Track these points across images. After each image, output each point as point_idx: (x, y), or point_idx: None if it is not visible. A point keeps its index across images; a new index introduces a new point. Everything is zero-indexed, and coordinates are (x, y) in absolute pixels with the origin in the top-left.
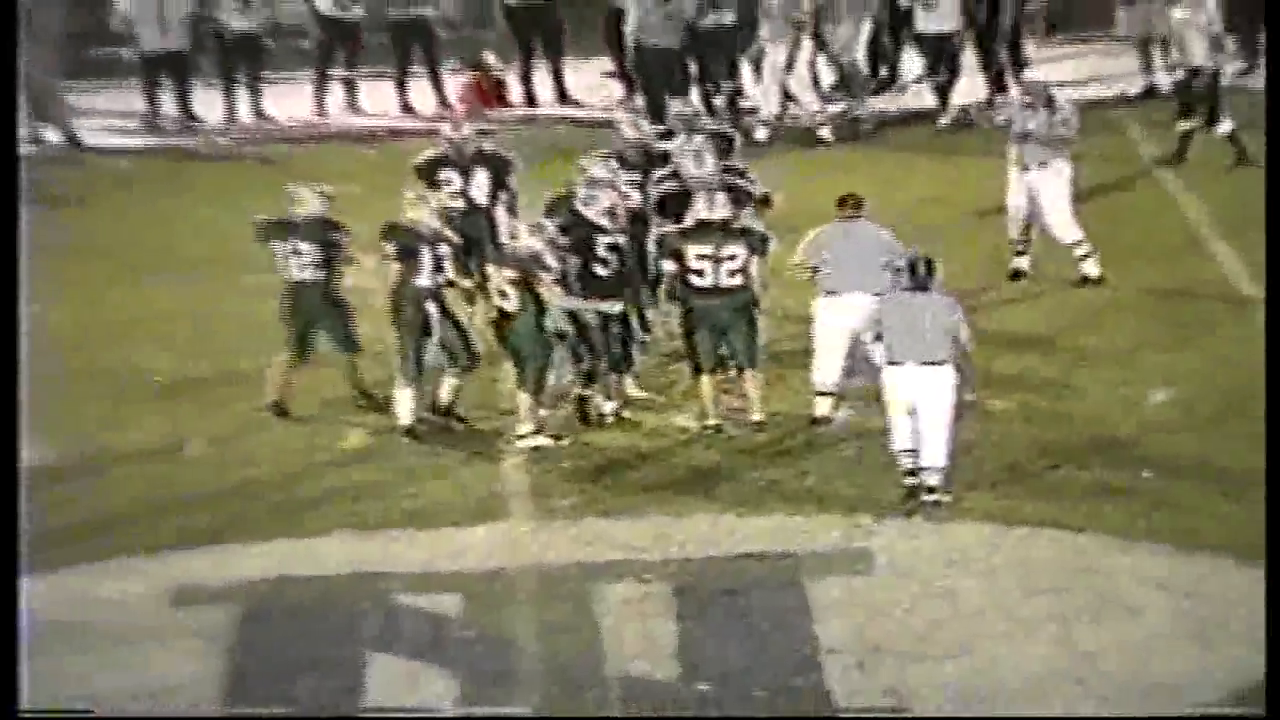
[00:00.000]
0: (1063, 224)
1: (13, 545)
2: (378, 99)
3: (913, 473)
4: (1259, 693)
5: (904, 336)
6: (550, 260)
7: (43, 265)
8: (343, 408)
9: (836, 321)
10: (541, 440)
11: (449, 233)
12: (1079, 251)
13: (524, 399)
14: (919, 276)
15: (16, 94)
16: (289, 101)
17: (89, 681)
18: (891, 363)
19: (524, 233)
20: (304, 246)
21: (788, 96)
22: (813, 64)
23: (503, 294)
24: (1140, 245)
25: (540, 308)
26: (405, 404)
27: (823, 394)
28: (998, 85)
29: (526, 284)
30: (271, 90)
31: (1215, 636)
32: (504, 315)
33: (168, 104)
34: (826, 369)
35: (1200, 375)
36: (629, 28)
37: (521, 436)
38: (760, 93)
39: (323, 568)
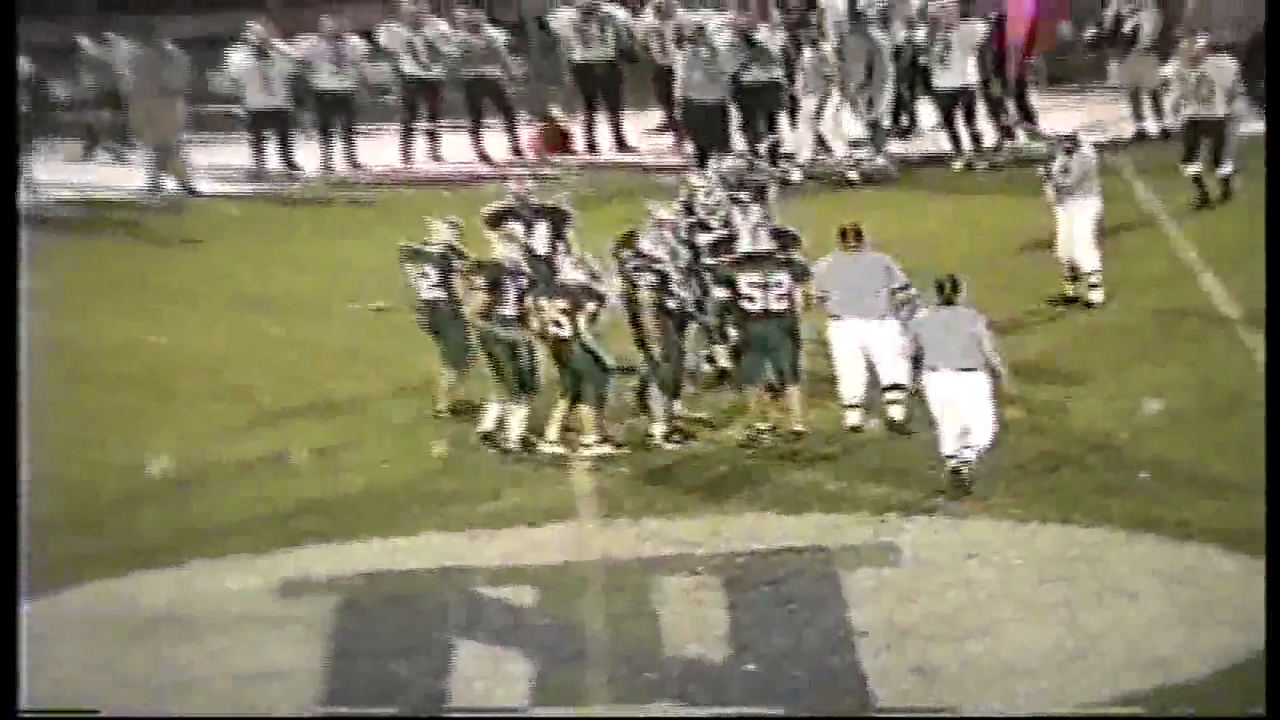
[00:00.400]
0: (1085, 252)
1: (13, 547)
2: (457, 148)
3: (956, 469)
4: (1243, 669)
5: (938, 347)
6: (599, 289)
7: (163, 300)
8: (435, 421)
9: (846, 343)
10: (607, 449)
11: (527, 268)
12: (1092, 280)
13: (587, 412)
14: (946, 294)
15: (16, 95)
16: (378, 151)
17: (204, 666)
18: (930, 369)
19: (569, 266)
20: (430, 270)
21: (820, 143)
22: (839, 113)
23: (557, 323)
24: (1134, 272)
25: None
26: (517, 420)
27: (851, 406)
28: (1006, 133)
29: (573, 314)
30: (363, 141)
31: (1205, 618)
32: (561, 340)
33: (271, 155)
34: (849, 385)
35: (1188, 386)
36: (677, 84)
37: (587, 445)
38: (795, 139)
39: (413, 564)
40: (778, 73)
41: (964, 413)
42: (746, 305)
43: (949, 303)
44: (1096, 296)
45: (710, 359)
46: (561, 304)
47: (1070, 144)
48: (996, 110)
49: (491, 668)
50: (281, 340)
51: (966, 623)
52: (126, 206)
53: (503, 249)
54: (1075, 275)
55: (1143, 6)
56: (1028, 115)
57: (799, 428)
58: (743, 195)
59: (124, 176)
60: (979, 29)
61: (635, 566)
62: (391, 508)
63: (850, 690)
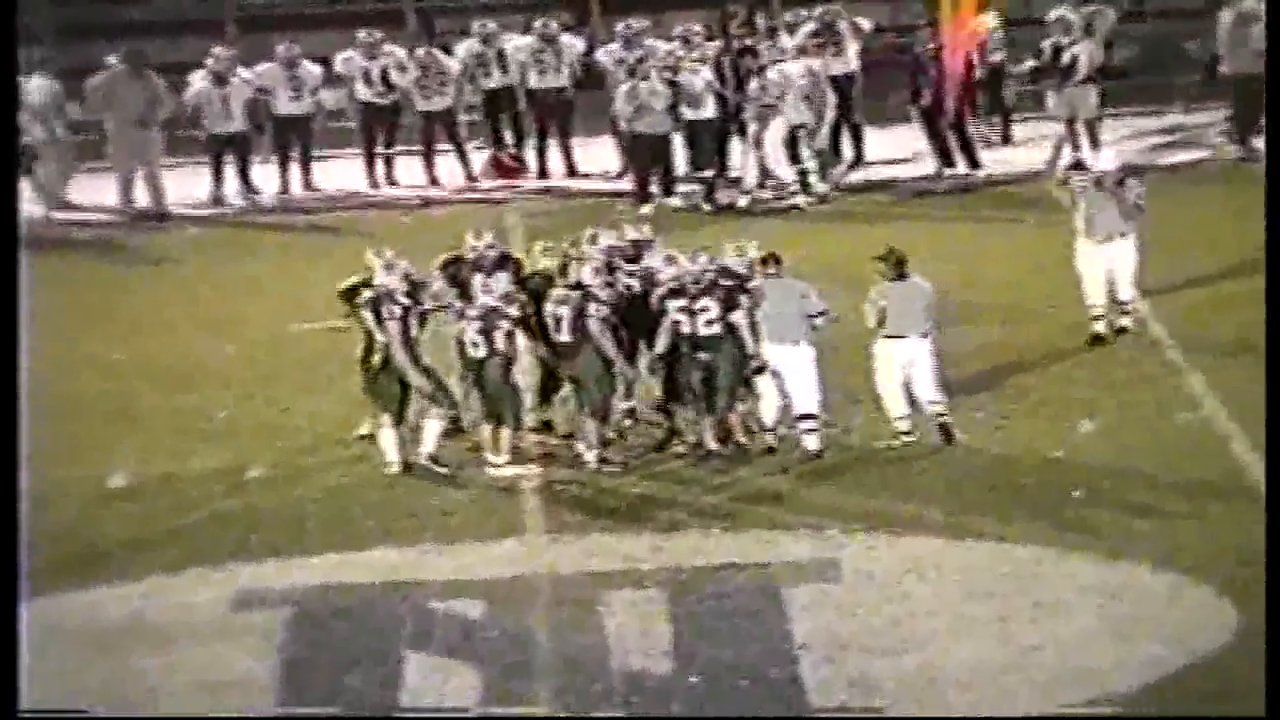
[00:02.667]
0: (1126, 287)
1: (13, 550)
2: (416, 172)
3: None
4: (1170, 683)
5: (900, 316)
6: (511, 312)
7: (124, 318)
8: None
9: (774, 365)
10: (518, 469)
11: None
12: (1127, 308)
13: (504, 433)
14: (895, 266)
15: (16, 95)
16: (336, 175)
17: (159, 676)
18: (889, 336)
19: (481, 290)
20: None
21: (764, 170)
22: (787, 140)
23: (473, 344)
24: (1069, 296)
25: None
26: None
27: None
28: (946, 161)
29: (489, 334)
30: (320, 166)
31: (1134, 633)
32: (476, 361)
33: (230, 179)
34: (766, 408)
35: (1120, 407)
36: (617, 117)
37: (498, 465)
38: (741, 166)
39: (365, 577)
40: (707, 113)
41: (919, 374)
42: (678, 329)
43: (901, 276)
44: (1128, 322)
45: (632, 412)
46: (476, 325)
47: (1113, 177)
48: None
49: (441, 678)
50: (239, 359)
51: (903, 636)
52: (89, 227)
53: (382, 276)
54: (1098, 315)
55: (1080, 39)
56: (969, 151)
57: (714, 446)
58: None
59: (89, 197)
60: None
61: (582, 580)
62: (344, 522)
63: (790, 701)
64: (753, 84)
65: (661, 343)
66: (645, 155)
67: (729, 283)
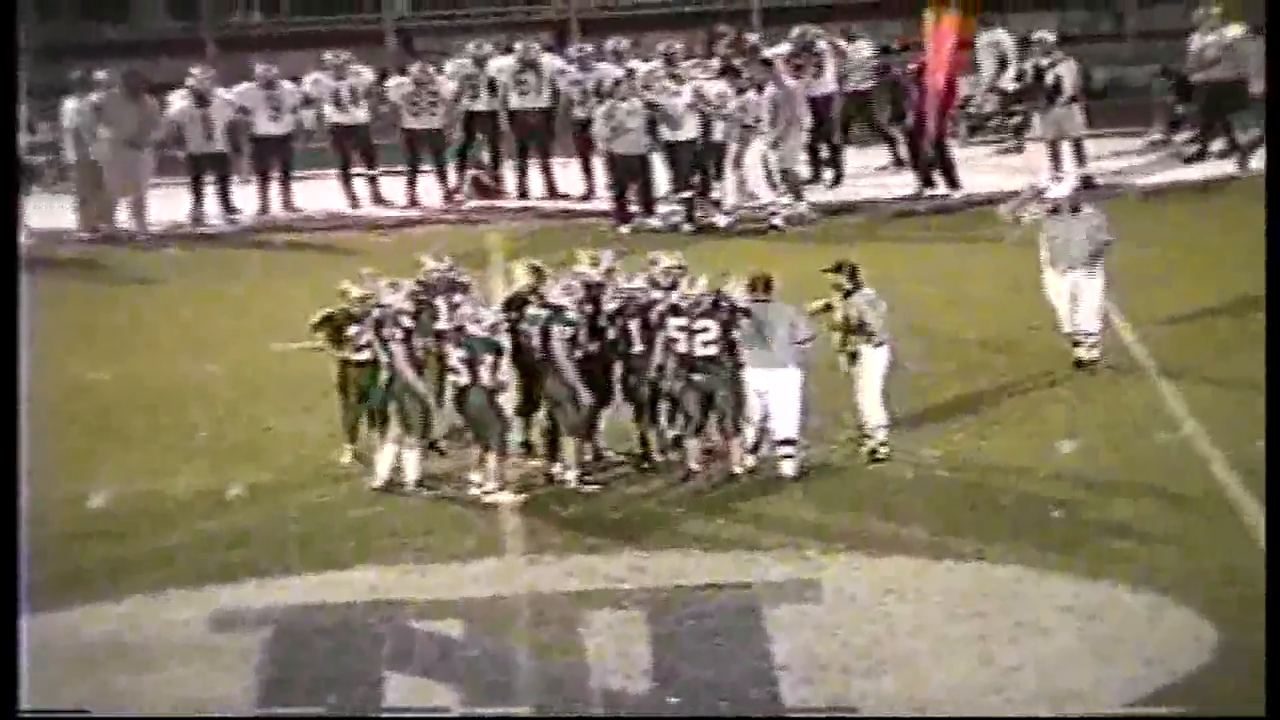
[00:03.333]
0: (1091, 319)
1: (13, 552)
2: (395, 192)
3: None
4: (1150, 702)
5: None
6: (497, 341)
7: (105, 338)
8: (369, 458)
9: (755, 387)
10: (506, 496)
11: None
12: (1091, 341)
13: (490, 459)
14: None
15: (17, 95)
16: (315, 195)
17: (139, 695)
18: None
19: (469, 319)
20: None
21: (744, 189)
22: (765, 161)
23: (455, 371)
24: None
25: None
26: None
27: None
28: (926, 181)
29: (473, 364)
30: (300, 186)
31: (1113, 653)
32: (460, 389)
33: (210, 198)
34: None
35: (1100, 427)
36: (596, 138)
37: (487, 492)
38: (720, 186)
39: (345, 597)
40: (688, 133)
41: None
42: (676, 348)
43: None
44: (1095, 355)
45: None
46: (461, 354)
47: (1070, 204)
48: (916, 161)
49: (421, 698)
50: (220, 378)
51: (883, 657)
52: (70, 246)
53: (387, 296)
54: (1078, 341)
55: (1059, 59)
56: (949, 171)
57: (736, 469)
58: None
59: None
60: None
61: (562, 601)
62: (325, 542)
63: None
64: (732, 103)
65: (655, 359)
66: (622, 175)
67: (728, 305)
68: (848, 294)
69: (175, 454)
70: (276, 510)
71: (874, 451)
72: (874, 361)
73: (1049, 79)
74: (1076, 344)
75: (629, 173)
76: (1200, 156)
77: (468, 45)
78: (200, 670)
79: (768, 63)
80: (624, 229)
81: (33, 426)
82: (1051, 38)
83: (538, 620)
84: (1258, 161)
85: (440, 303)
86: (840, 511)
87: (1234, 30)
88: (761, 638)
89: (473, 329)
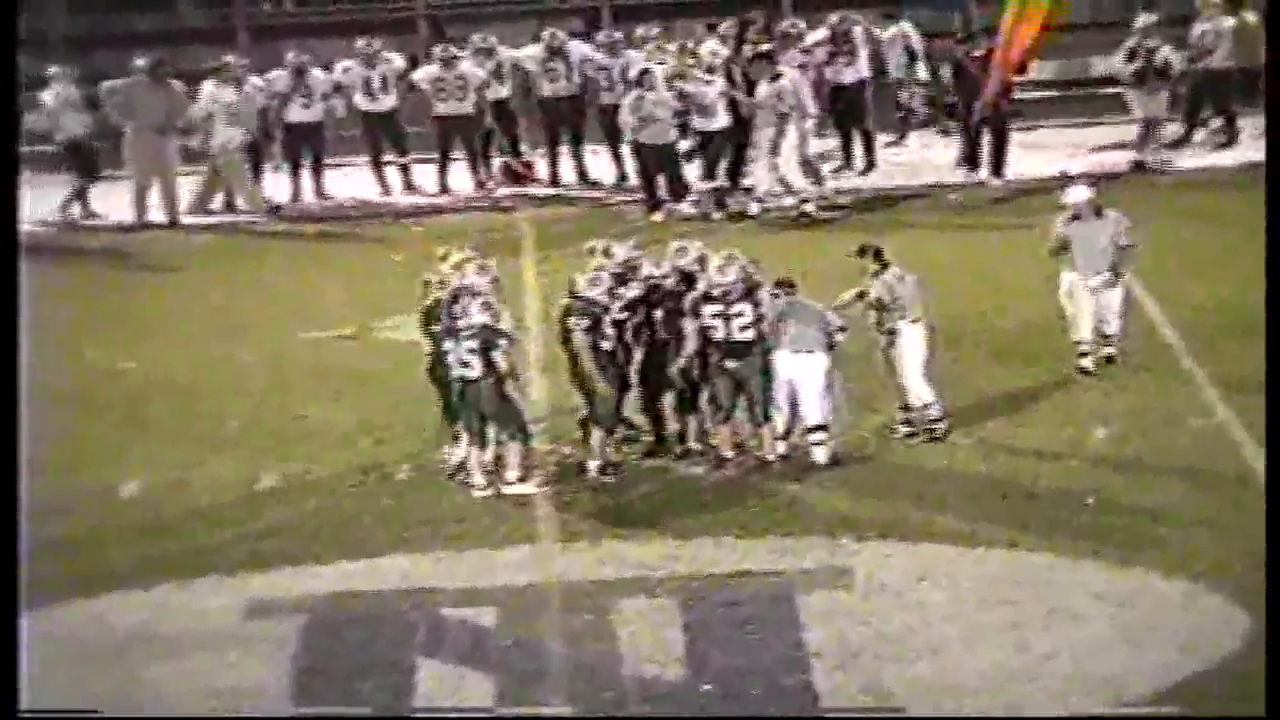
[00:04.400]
0: (1114, 320)
1: (13, 550)
2: (427, 180)
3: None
4: (1182, 688)
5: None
6: (505, 329)
7: (136, 327)
8: (399, 446)
9: (784, 374)
10: (528, 488)
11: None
12: (1112, 341)
13: (513, 451)
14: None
15: (17, 94)
16: (348, 183)
17: (171, 684)
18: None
19: (476, 308)
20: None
21: (778, 177)
22: (799, 147)
23: (465, 364)
24: None
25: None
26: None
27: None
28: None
29: (486, 353)
30: (332, 173)
31: (1146, 640)
32: (468, 381)
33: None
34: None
35: (1133, 414)
36: (624, 126)
37: (509, 484)
38: (753, 173)
39: (378, 585)
40: (719, 123)
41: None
42: (713, 335)
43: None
44: (1113, 351)
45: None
46: (470, 344)
47: (1092, 207)
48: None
49: (454, 686)
50: (251, 367)
51: (917, 644)
52: (100, 235)
53: (472, 277)
54: (1085, 351)
55: (1161, 43)
56: (999, 158)
57: (769, 457)
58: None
59: (102, 206)
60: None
61: (594, 588)
62: (357, 531)
63: (803, 708)
64: (764, 90)
65: (690, 346)
66: (651, 164)
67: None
68: (875, 274)
69: (206, 443)
70: (308, 499)
71: (931, 430)
72: (913, 339)
73: (1158, 60)
74: (1084, 354)
75: (657, 162)
76: (1186, 140)
77: (472, 36)
78: (232, 659)
79: (768, 56)
80: (656, 216)
81: (62, 416)
82: (1153, 19)
83: (570, 608)
84: (1256, 152)
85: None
86: (872, 499)
87: (1230, 21)
88: (794, 625)
89: (479, 318)
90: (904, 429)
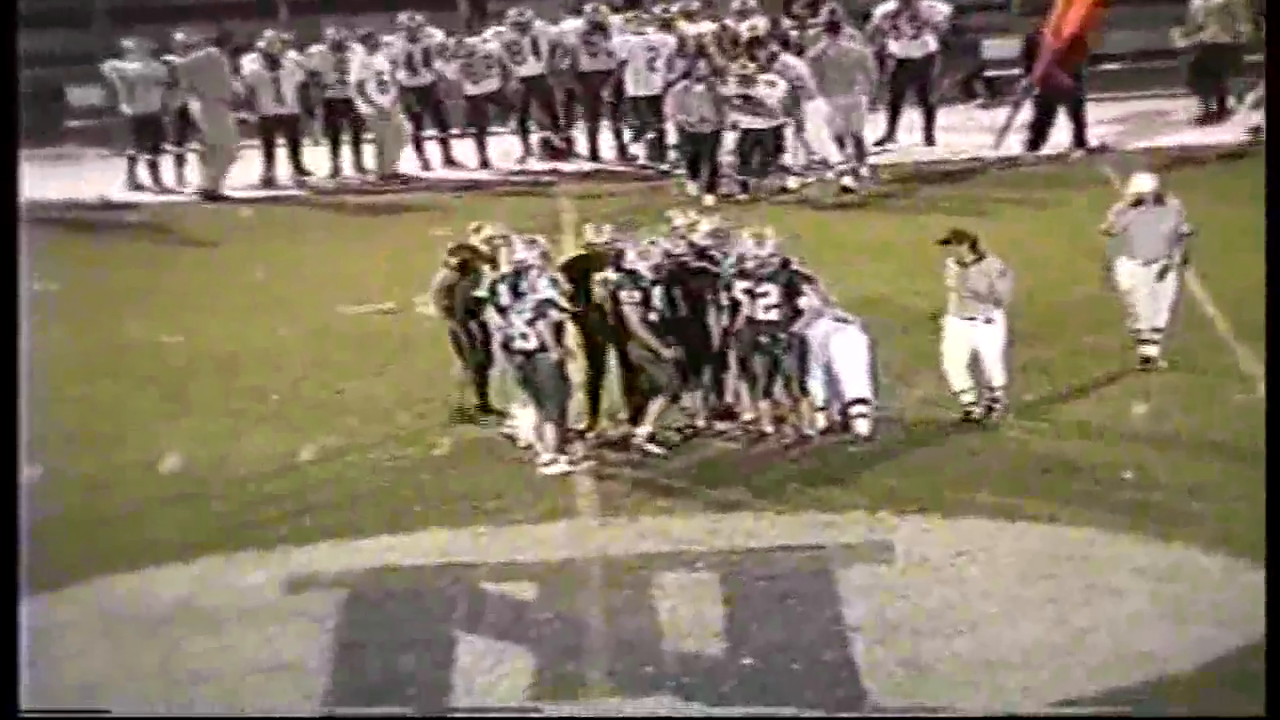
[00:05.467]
0: (1164, 312)
1: (13, 548)
2: (467, 154)
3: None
4: (1226, 663)
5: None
6: (560, 302)
7: (177, 300)
8: (439, 420)
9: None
10: (563, 465)
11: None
12: (1156, 336)
13: (549, 430)
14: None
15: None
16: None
17: (211, 659)
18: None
19: (541, 283)
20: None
21: (812, 153)
22: (832, 122)
23: (523, 336)
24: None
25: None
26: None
27: (818, 409)
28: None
29: (537, 323)
30: (371, 148)
31: (1187, 615)
32: (525, 354)
33: (282, 160)
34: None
35: (1173, 389)
36: (667, 114)
37: (546, 463)
38: (787, 149)
39: (417, 560)
40: (767, 123)
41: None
42: (742, 311)
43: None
44: (1156, 351)
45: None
46: (527, 316)
47: (1153, 196)
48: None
49: (493, 661)
50: (291, 341)
51: (956, 619)
52: (141, 209)
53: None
54: (1147, 339)
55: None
56: (1080, 129)
57: (809, 431)
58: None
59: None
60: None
61: (634, 563)
62: (397, 505)
63: (843, 684)
64: (774, 68)
65: (723, 318)
66: (691, 148)
67: (793, 270)
68: (971, 263)
69: (247, 417)
70: (348, 473)
71: (990, 409)
72: (1002, 329)
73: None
74: (1144, 341)
75: (698, 147)
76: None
77: (509, 11)
78: (271, 633)
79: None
80: (691, 187)
81: (103, 391)
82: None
83: (610, 582)
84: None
85: (486, 269)
86: (912, 474)
87: None
88: (834, 600)
89: (537, 290)
90: (980, 409)
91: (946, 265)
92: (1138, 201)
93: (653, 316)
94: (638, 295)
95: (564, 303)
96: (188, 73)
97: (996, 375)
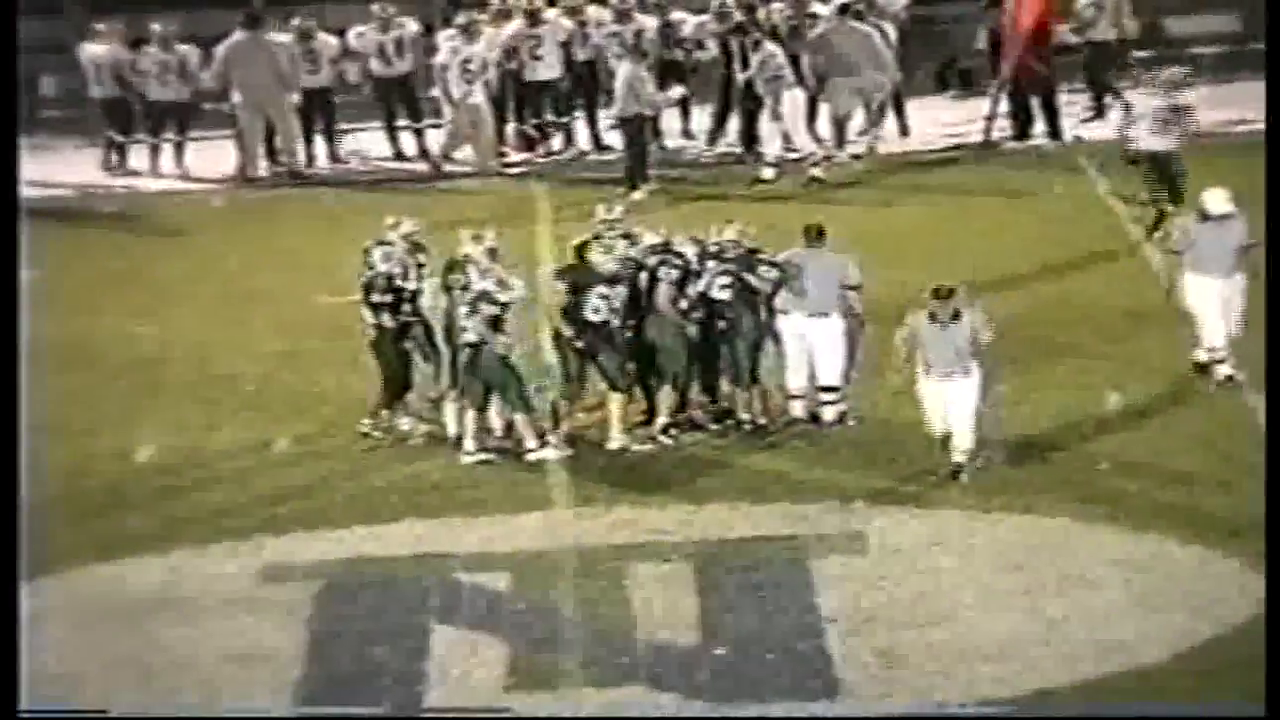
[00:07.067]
0: (1236, 323)
1: (13, 547)
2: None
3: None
4: (1198, 654)
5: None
6: (501, 297)
7: (152, 291)
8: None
9: (791, 335)
10: (549, 453)
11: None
12: (1226, 354)
13: (521, 419)
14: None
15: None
16: (361, 147)
17: (186, 648)
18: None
19: (476, 275)
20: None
21: (787, 141)
22: (808, 112)
23: (464, 329)
24: (1093, 270)
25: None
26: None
27: (794, 396)
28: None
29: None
30: (346, 138)
31: (1160, 605)
32: (471, 346)
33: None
34: (794, 376)
35: (1148, 380)
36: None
37: (530, 450)
38: (764, 138)
39: (392, 550)
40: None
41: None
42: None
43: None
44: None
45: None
46: (465, 309)
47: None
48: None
49: (468, 651)
50: (266, 331)
51: (930, 609)
52: (116, 198)
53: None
54: (1214, 359)
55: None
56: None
57: (762, 421)
58: None
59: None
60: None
61: (608, 553)
62: (372, 496)
63: (817, 673)
64: (755, 57)
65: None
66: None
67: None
68: (950, 320)
69: (221, 408)
70: (322, 464)
71: (956, 472)
72: (977, 382)
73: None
74: (1218, 361)
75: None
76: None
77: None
78: (247, 623)
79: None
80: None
81: (77, 380)
82: None
83: (585, 573)
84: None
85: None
86: (886, 464)
87: None
88: (808, 590)
89: (479, 284)
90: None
91: (916, 323)
92: (1205, 217)
93: (683, 303)
94: (674, 274)
95: (501, 295)
96: (225, 58)
97: (965, 438)
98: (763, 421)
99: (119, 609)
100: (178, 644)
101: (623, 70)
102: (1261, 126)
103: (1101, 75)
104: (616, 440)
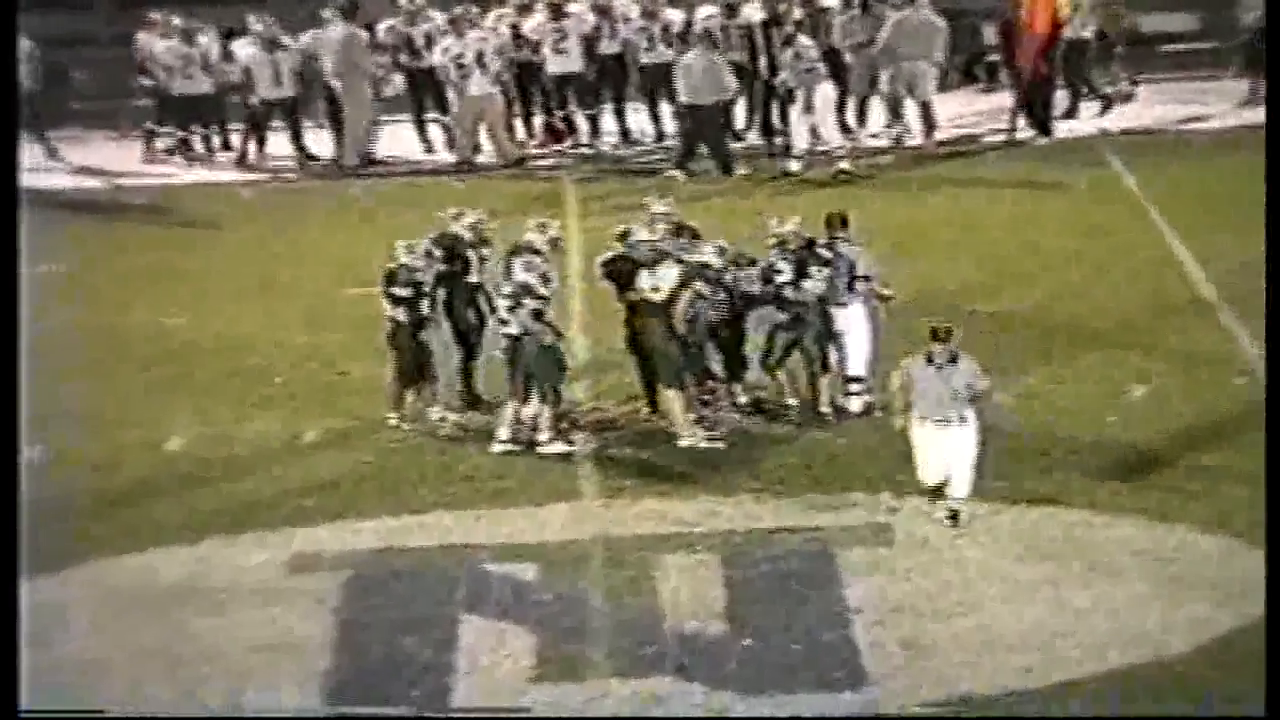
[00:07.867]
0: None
1: (13, 546)
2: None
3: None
4: (1222, 644)
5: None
6: (541, 290)
7: (183, 283)
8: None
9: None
10: (560, 447)
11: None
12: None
13: (544, 412)
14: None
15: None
16: (389, 141)
17: (215, 638)
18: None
19: (519, 267)
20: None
21: (814, 134)
22: (838, 105)
23: (504, 321)
24: (1121, 260)
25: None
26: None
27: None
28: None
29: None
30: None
31: (1184, 596)
32: (512, 338)
33: (281, 143)
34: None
35: (1173, 371)
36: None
37: (543, 443)
38: (792, 131)
39: (420, 541)
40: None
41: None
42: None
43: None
44: None
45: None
46: (507, 302)
47: None
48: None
49: (496, 641)
50: (295, 323)
51: (956, 600)
52: (142, 192)
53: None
54: None
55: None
56: (1044, 115)
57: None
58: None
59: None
60: None
61: (635, 544)
62: (400, 486)
63: (843, 664)
64: (788, 51)
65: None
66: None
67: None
68: (947, 364)
69: (251, 399)
70: (351, 455)
71: (954, 515)
72: (974, 432)
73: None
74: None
75: (700, 124)
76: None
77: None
78: (275, 613)
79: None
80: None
81: (108, 373)
82: None
83: (612, 564)
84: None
85: (471, 254)
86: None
87: None
88: (834, 581)
89: (521, 276)
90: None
91: (913, 366)
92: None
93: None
94: (706, 289)
95: (542, 289)
96: (330, 50)
97: (963, 489)
98: (826, 410)
99: (148, 599)
100: (206, 634)
101: (693, 60)
102: (1220, 125)
103: (1079, 72)
104: (686, 439)
